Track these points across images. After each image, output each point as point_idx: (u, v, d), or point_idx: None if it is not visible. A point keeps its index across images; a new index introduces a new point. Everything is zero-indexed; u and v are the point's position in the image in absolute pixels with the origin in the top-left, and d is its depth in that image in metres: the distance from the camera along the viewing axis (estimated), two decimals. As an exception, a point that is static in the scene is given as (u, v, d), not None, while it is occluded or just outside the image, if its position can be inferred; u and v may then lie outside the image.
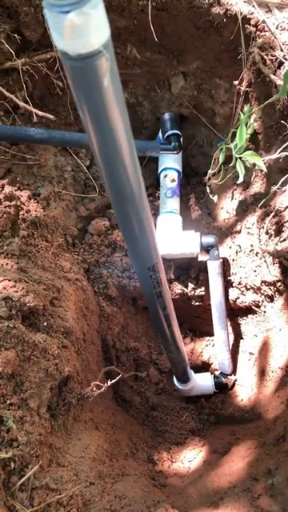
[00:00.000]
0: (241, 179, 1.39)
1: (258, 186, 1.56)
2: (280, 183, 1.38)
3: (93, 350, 1.37)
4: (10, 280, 1.02)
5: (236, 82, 1.54)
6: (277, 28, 1.45)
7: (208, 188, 1.64)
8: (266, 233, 1.44)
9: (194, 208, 1.75)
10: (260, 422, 1.30)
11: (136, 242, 0.80)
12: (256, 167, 1.34)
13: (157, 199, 1.72)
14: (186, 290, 1.63)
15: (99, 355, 1.45)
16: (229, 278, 1.57)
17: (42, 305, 1.06)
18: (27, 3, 1.32)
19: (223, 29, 1.49)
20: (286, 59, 1.41)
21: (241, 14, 1.42)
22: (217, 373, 1.63)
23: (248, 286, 1.52)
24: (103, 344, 1.52)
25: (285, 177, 1.37)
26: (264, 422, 1.28)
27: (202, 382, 1.58)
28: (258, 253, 1.47)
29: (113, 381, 1.14)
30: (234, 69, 1.58)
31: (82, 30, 0.43)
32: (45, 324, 1.07)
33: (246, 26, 1.44)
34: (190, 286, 1.63)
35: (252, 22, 1.43)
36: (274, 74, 1.41)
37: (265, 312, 1.51)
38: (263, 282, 1.45)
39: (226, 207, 1.66)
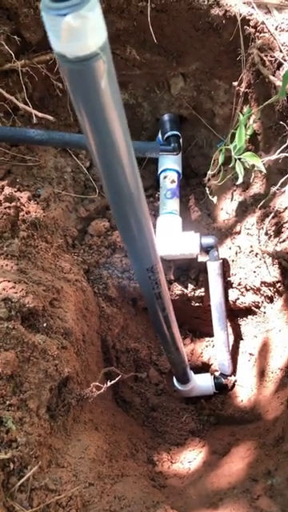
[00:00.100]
0: (240, 180, 1.39)
1: (257, 187, 1.56)
2: (279, 184, 1.38)
3: (93, 351, 1.37)
4: (9, 281, 1.02)
5: (235, 83, 1.54)
6: (276, 29, 1.45)
7: (207, 189, 1.64)
8: (266, 234, 1.44)
9: (194, 209, 1.75)
10: (260, 423, 1.30)
11: (134, 243, 0.80)
12: (255, 168, 1.34)
13: (157, 200, 1.73)
14: (185, 290, 1.63)
15: (99, 356, 1.45)
16: (228, 278, 1.57)
17: (42, 306, 1.07)
18: (27, 5, 1.33)
19: (222, 30, 1.49)
20: (285, 60, 1.41)
21: (240, 15, 1.42)
22: (217, 374, 1.63)
23: (248, 287, 1.52)
24: (103, 345, 1.52)
25: (284, 178, 1.37)
26: (264, 422, 1.28)
27: (202, 382, 1.58)
28: (257, 254, 1.47)
29: (112, 382, 1.14)
30: (233, 70, 1.58)
31: (79, 32, 0.43)
32: (44, 325, 1.07)
33: (246, 27, 1.44)
34: (190, 286, 1.63)
35: (251, 23, 1.44)
36: (274, 75, 1.41)
37: (264, 313, 1.51)
38: (263, 282, 1.45)
39: (226, 208, 1.66)
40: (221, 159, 1.52)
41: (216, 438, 1.43)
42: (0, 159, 1.39)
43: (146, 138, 1.84)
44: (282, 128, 1.41)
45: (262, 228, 1.45)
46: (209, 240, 1.51)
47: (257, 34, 1.46)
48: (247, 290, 1.53)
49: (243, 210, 1.59)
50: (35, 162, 1.42)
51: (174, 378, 1.52)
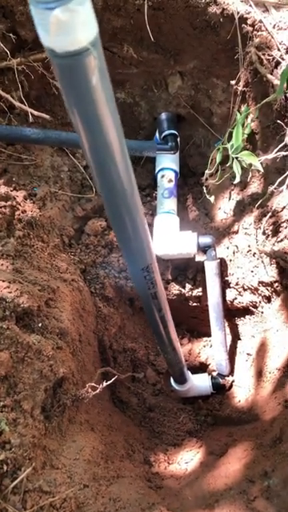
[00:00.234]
0: (237, 179, 1.38)
1: (255, 187, 1.55)
2: (277, 183, 1.37)
3: (89, 351, 1.36)
4: (4, 281, 1.01)
5: (233, 82, 1.53)
6: (274, 27, 1.44)
7: (205, 188, 1.63)
8: (263, 233, 1.43)
9: (192, 208, 1.74)
10: (257, 424, 1.30)
11: (129, 243, 0.79)
12: (252, 167, 1.33)
13: (154, 199, 1.72)
14: (183, 290, 1.62)
15: (96, 356, 1.44)
16: (226, 278, 1.56)
17: (37, 306, 1.06)
18: (22, 2, 1.32)
19: (220, 28, 1.48)
20: (282, 59, 1.40)
21: (237, 13, 1.41)
22: (214, 374, 1.62)
23: (245, 287, 1.51)
24: (100, 345, 1.51)
25: (282, 177, 1.36)
26: (261, 423, 1.28)
27: (200, 382, 1.57)
28: (255, 253, 1.46)
29: (108, 382, 1.13)
30: (231, 68, 1.57)
31: (68, 26, 0.43)
32: (39, 325, 1.06)
33: (243, 25, 1.43)
34: (188, 286, 1.62)
35: (249, 22, 1.43)
36: (271, 74, 1.40)
37: (262, 313, 1.50)
38: (260, 282, 1.44)
39: (224, 207, 1.65)
40: (218, 158, 1.51)
41: (213, 438, 1.42)
42: (-4, 158, 1.38)
43: (144, 137, 1.83)
44: (280, 127, 1.40)
45: (260, 227, 1.44)
46: (206, 239, 1.51)
47: (254, 32, 1.45)
48: (245, 290, 1.52)
49: (241, 210, 1.58)
50: (31, 160, 1.41)
51: (171, 378, 1.51)
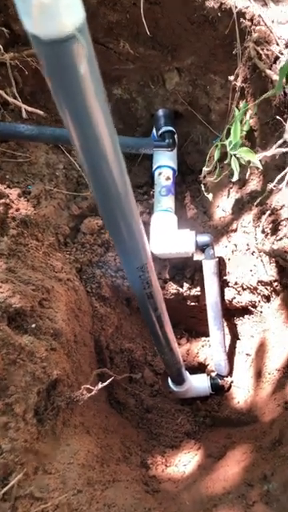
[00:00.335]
0: (235, 177, 1.36)
1: (254, 184, 1.53)
2: (276, 181, 1.35)
3: (85, 352, 1.34)
4: (-4, 280, 0.99)
5: (231, 78, 1.50)
6: (272, 22, 1.42)
7: (203, 186, 1.60)
8: (263, 231, 1.40)
9: (190, 207, 1.72)
10: (256, 425, 1.27)
11: (123, 241, 0.77)
12: (251, 164, 1.31)
13: (151, 198, 1.69)
14: (181, 289, 1.60)
15: (92, 357, 1.42)
16: (225, 277, 1.54)
17: (30, 306, 1.03)
18: (16, -4, 1.29)
19: (218, 23, 1.45)
20: (281, 54, 1.37)
21: (236, 7, 1.39)
22: (213, 374, 1.59)
23: (244, 286, 1.49)
24: (96, 345, 1.49)
25: (281, 174, 1.34)
26: (260, 425, 1.25)
27: (198, 383, 1.54)
28: (254, 252, 1.44)
29: (104, 384, 1.11)
30: (229, 64, 1.54)
31: (52, 10, 0.40)
32: (33, 326, 1.04)
33: (241, 20, 1.41)
34: (186, 285, 1.60)
35: (247, 16, 1.40)
36: (270, 69, 1.38)
37: (261, 312, 1.48)
38: (259, 281, 1.41)
39: (222, 205, 1.62)
40: (216, 155, 1.49)
41: (212, 440, 1.40)
42: (-11, 155, 1.36)
43: (141, 134, 1.81)
44: (279, 123, 1.37)
45: (259, 226, 1.42)
46: (204, 238, 1.48)
47: (253, 27, 1.42)
48: (244, 289, 1.50)
49: (239, 208, 1.56)
50: (26, 158, 1.38)
51: (169, 379, 1.49)
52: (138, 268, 0.84)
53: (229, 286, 1.55)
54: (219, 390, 1.56)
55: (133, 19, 1.46)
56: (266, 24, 1.40)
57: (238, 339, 1.64)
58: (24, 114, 1.33)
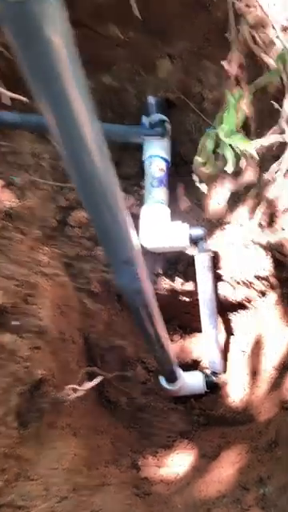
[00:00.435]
0: (229, 167, 1.30)
1: (249, 175, 1.47)
2: (272, 171, 1.29)
3: (73, 350, 1.28)
4: (-25, 276, 0.93)
5: (225, 64, 1.44)
6: (268, 5, 1.35)
7: (196, 177, 1.54)
8: (258, 224, 1.35)
9: (183, 199, 1.66)
10: (252, 425, 1.23)
11: (106, 231, 0.71)
12: (246, 152, 1.25)
13: (142, 189, 1.63)
14: (173, 284, 1.55)
15: (81, 355, 1.37)
16: (218, 272, 1.48)
17: (12, 302, 0.97)
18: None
19: (212, 6, 1.39)
20: (278, 38, 1.31)
21: (230, -12, 1.32)
22: (207, 371, 1.55)
23: (239, 281, 1.44)
24: (86, 343, 1.43)
25: (277, 164, 1.29)
26: (256, 424, 1.21)
27: (192, 381, 1.50)
28: (249, 245, 1.39)
29: (92, 383, 1.06)
30: (223, 50, 1.48)
31: None
32: (16, 323, 0.98)
33: (236, 2, 1.34)
34: (179, 280, 1.54)
35: (242, -2, 1.34)
36: (266, 54, 1.32)
37: (257, 308, 1.43)
38: (255, 276, 1.36)
39: (216, 197, 1.57)
40: (209, 145, 1.43)
41: (206, 439, 1.35)
42: (-28, 145, 1.29)
43: (131, 124, 1.74)
44: (276, 111, 1.32)
45: (255, 218, 1.36)
46: (197, 231, 1.43)
47: (248, 10, 1.36)
48: (238, 284, 1.45)
49: (234, 200, 1.50)
50: (9, 147, 1.32)
51: (161, 377, 1.44)
52: (124, 261, 0.79)
53: (223, 281, 1.50)
54: (214, 388, 1.51)
55: (122, 1, 1.39)
56: (261, 7, 1.34)
57: (233, 335, 1.59)
58: (8, 101, 1.26)
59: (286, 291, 1.23)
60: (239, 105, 1.44)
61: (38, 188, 1.36)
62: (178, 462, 1.27)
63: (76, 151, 0.58)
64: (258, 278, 1.35)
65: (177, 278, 1.56)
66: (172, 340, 1.71)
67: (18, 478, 0.81)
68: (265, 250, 1.31)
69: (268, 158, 1.38)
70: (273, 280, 1.31)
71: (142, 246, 1.47)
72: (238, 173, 1.50)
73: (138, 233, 1.47)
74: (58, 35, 0.44)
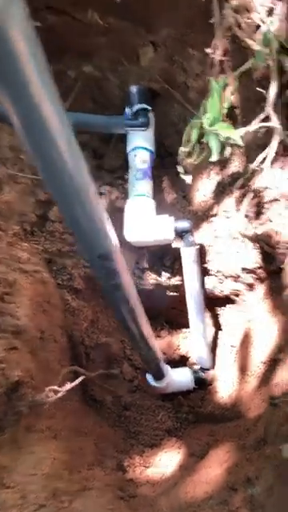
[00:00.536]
0: (214, 156, 1.26)
1: (235, 165, 1.43)
2: (258, 160, 1.25)
3: (55, 349, 1.24)
4: None
5: (209, 50, 1.39)
6: (253, -12, 1.31)
7: (181, 168, 1.50)
8: (245, 215, 1.31)
9: (168, 191, 1.62)
10: (240, 422, 1.20)
11: (78, 224, 0.66)
12: (230, 140, 1.21)
13: (126, 182, 1.58)
14: (160, 279, 1.50)
15: (64, 354, 1.32)
16: (205, 265, 1.44)
17: (-14, 301, 0.92)
18: None
19: (194, -10, 1.34)
20: (263, 22, 1.27)
21: None
22: (196, 367, 1.51)
23: (226, 274, 1.40)
24: (70, 341, 1.39)
25: (263, 153, 1.25)
26: (245, 421, 1.18)
27: (180, 377, 1.46)
28: (236, 238, 1.35)
29: (72, 384, 1.02)
30: (207, 36, 1.43)
31: None
32: (-10, 323, 0.93)
33: (219, -15, 1.29)
34: (165, 275, 1.50)
35: (225, -19, 1.29)
36: (251, 39, 1.27)
37: (245, 301, 1.39)
38: (243, 269, 1.33)
39: (202, 189, 1.52)
40: (194, 134, 1.38)
41: (194, 437, 1.32)
42: None
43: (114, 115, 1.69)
44: (262, 99, 1.28)
45: (241, 209, 1.32)
46: (183, 224, 1.38)
47: (232, -7, 1.31)
48: (226, 278, 1.41)
49: (221, 191, 1.46)
50: (-15, 138, 1.26)
51: (148, 374, 1.40)
52: (100, 256, 0.74)
53: (210, 275, 1.46)
54: (202, 384, 1.48)
55: (101, -15, 1.34)
56: (245, -10, 1.29)
57: (221, 330, 1.56)
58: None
59: (275, 284, 1.20)
60: (225, 93, 1.40)
61: (16, 182, 1.31)
62: (165, 462, 1.24)
63: (41, 145, 0.54)
64: (245, 270, 1.32)
65: (163, 272, 1.52)
66: (159, 336, 1.67)
67: (-9, 486, 0.77)
68: (252, 242, 1.27)
69: (254, 147, 1.34)
70: (261, 273, 1.28)
71: (126, 240, 1.43)
72: (224, 163, 1.46)
73: (123, 226, 1.42)
74: (18, 29, 0.40)
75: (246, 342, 1.35)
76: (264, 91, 1.22)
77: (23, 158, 1.37)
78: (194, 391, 1.49)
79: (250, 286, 1.36)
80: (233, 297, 1.44)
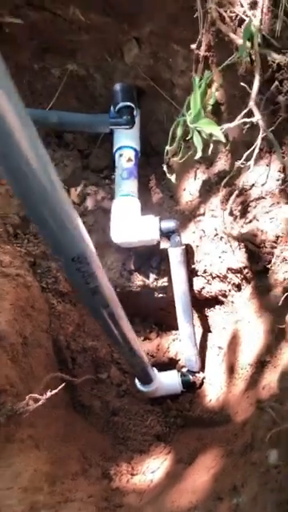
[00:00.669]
0: (199, 154, 1.23)
1: (222, 163, 1.40)
2: (244, 158, 1.22)
3: (39, 354, 1.21)
4: None
5: (194, 46, 1.36)
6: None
7: (167, 167, 1.47)
8: (231, 214, 1.29)
9: (155, 191, 1.59)
10: (228, 426, 1.17)
11: (48, 226, 0.63)
12: (214, 138, 1.18)
13: (113, 183, 1.55)
14: (147, 281, 1.47)
15: (49, 359, 1.29)
16: (193, 266, 1.42)
17: None
18: None
19: (177, -15, 1.31)
20: (246, 16, 1.24)
21: None
22: (184, 370, 1.48)
23: (214, 275, 1.37)
24: (55, 345, 1.35)
25: (248, 151, 1.22)
26: (233, 425, 1.15)
27: (168, 380, 1.43)
28: (222, 237, 1.32)
29: (54, 391, 0.98)
30: (191, 31, 1.40)
31: None
32: None
33: (202, -21, 1.26)
34: (152, 276, 1.47)
35: (208, -26, 1.26)
36: (234, 33, 1.24)
37: (233, 302, 1.37)
38: (229, 269, 1.30)
39: (189, 188, 1.50)
40: (179, 132, 1.35)
41: (182, 442, 1.29)
42: None
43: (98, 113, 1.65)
44: (247, 95, 1.25)
45: (227, 208, 1.30)
46: (169, 224, 1.36)
47: (215, -13, 1.28)
48: (213, 278, 1.38)
49: (207, 190, 1.43)
50: None
51: (136, 379, 1.37)
52: (74, 259, 0.71)
53: (197, 275, 1.43)
54: (191, 387, 1.45)
55: (81, -20, 1.30)
56: (228, -16, 1.26)
57: (210, 332, 1.53)
58: None
59: (261, 284, 1.17)
60: (210, 89, 1.37)
61: (-3, 183, 1.28)
62: (153, 468, 1.21)
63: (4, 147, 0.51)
64: (231, 270, 1.29)
65: (150, 274, 1.49)
66: (149, 338, 1.64)
67: None
68: (237, 241, 1.24)
69: (240, 144, 1.32)
70: (247, 272, 1.25)
71: (113, 242, 1.40)
72: (210, 162, 1.43)
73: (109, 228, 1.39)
74: None
75: (234, 343, 1.32)
76: (248, 86, 1.19)
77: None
78: (182, 394, 1.47)
79: (237, 287, 1.33)
80: (221, 297, 1.41)
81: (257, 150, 1.12)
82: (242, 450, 1.00)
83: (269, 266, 1.14)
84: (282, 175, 1.16)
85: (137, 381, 1.37)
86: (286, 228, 1.11)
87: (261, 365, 1.13)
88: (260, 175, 1.20)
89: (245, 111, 1.11)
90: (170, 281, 1.46)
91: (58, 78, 1.63)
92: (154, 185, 1.60)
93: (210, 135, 1.17)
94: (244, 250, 1.22)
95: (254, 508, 0.79)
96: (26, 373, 1.09)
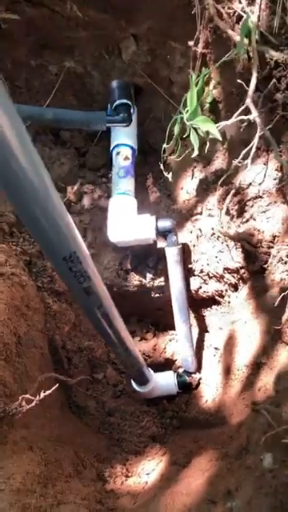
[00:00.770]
0: (196, 152, 1.21)
1: (219, 162, 1.39)
2: (241, 157, 1.21)
3: (34, 354, 1.19)
4: None
5: (191, 43, 1.35)
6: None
7: (164, 166, 1.45)
8: (227, 213, 1.27)
9: (152, 189, 1.57)
10: (224, 428, 1.16)
11: (39, 225, 0.62)
12: (210, 136, 1.16)
13: (110, 181, 1.54)
14: (144, 280, 1.46)
15: (44, 359, 1.28)
16: (189, 265, 1.40)
17: None
18: None
19: (175, -19, 1.29)
20: (244, 12, 1.22)
21: None
22: (180, 370, 1.47)
23: (210, 274, 1.36)
24: (51, 345, 1.34)
25: (246, 149, 1.20)
26: (228, 427, 1.14)
27: (164, 381, 1.42)
28: (219, 237, 1.31)
29: (48, 391, 0.97)
30: (189, 28, 1.38)
31: None
32: None
33: (200, -25, 1.25)
34: (149, 276, 1.46)
35: None
36: (232, 30, 1.23)
37: (229, 302, 1.35)
38: (226, 269, 1.29)
39: (186, 187, 1.48)
40: (176, 130, 1.34)
41: (178, 444, 1.28)
42: None
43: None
44: (245, 93, 1.23)
45: (224, 207, 1.28)
46: (166, 223, 1.34)
47: (213, -18, 1.27)
48: (210, 278, 1.37)
49: (204, 189, 1.42)
50: None
51: (132, 380, 1.36)
52: (65, 258, 0.70)
53: (194, 275, 1.42)
54: (187, 388, 1.44)
55: (77, -24, 1.29)
56: (227, -20, 1.24)
57: (207, 332, 1.52)
58: None
59: (257, 284, 1.15)
60: (208, 87, 1.36)
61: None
62: (148, 470, 1.20)
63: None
64: (228, 270, 1.28)
65: (147, 273, 1.48)
66: (145, 338, 1.63)
67: None
68: (234, 241, 1.23)
69: (237, 142, 1.30)
70: (243, 273, 1.23)
71: (109, 241, 1.39)
72: (207, 160, 1.42)
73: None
74: None
75: (230, 343, 1.31)
76: (245, 84, 1.18)
77: None
78: (178, 395, 1.45)
79: (234, 287, 1.31)
80: (217, 298, 1.40)
81: (254, 149, 1.11)
82: (237, 453, 0.99)
83: (265, 266, 1.12)
84: (280, 174, 1.14)
85: (133, 382, 1.35)
86: (282, 227, 1.10)
87: (257, 366, 1.11)
88: (257, 174, 1.19)
89: (241, 108, 1.10)
90: (166, 280, 1.44)
91: (55, 75, 1.62)
92: (151, 183, 1.58)
93: (207, 133, 1.16)
94: (241, 249, 1.21)
95: (248, 512, 0.78)
96: (19, 373, 1.08)
